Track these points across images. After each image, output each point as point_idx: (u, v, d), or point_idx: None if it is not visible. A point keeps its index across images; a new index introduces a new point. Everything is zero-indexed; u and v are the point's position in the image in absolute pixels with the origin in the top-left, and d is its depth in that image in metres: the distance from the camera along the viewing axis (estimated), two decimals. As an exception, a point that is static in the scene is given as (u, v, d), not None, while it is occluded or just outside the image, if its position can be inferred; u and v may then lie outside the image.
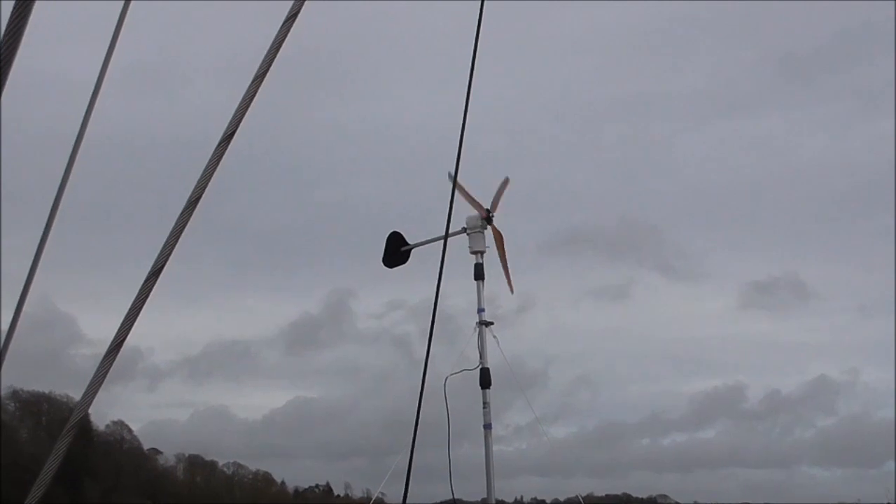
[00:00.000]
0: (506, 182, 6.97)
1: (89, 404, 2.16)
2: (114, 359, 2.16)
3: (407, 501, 5.98)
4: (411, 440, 5.78)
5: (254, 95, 2.36)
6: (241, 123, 2.65)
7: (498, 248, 6.76)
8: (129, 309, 2.20)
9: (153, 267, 2.25)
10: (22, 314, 3.57)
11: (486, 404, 6.20)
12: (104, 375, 2.16)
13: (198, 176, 2.36)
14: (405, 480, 5.80)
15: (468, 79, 3.89)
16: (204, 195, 2.38)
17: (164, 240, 2.28)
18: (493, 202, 6.81)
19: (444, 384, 6.09)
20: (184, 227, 2.34)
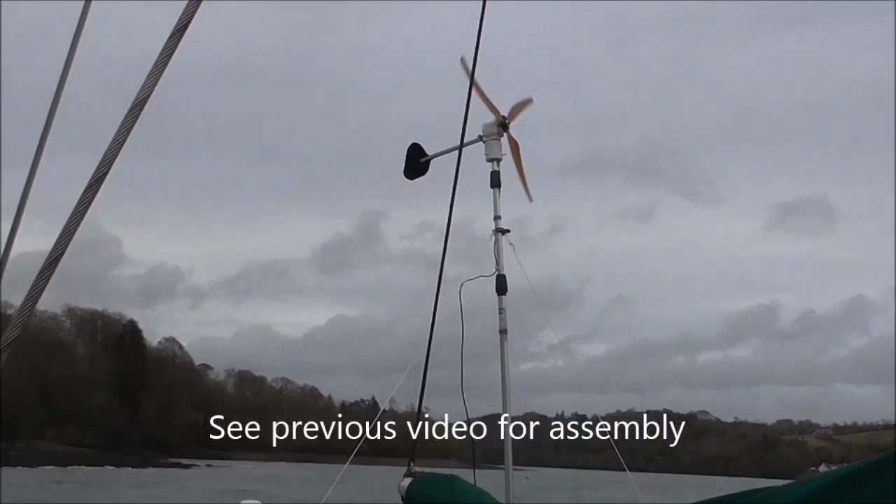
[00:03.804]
0: (529, 101, 6.63)
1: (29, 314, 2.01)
2: (51, 274, 1.99)
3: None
4: (425, 354, 5.70)
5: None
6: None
7: (514, 157, 6.50)
8: (68, 220, 2.01)
9: (94, 174, 2.06)
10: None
11: (501, 310, 6.05)
12: (41, 290, 1.99)
13: (144, 76, 2.14)
14: (419, 396, 5.77)
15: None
16: (152, 96, 2.16)
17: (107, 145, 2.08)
18: (510, 112, 6.49)
19: (460, 290, 5.95)
20: (130, 130, 2.13)
